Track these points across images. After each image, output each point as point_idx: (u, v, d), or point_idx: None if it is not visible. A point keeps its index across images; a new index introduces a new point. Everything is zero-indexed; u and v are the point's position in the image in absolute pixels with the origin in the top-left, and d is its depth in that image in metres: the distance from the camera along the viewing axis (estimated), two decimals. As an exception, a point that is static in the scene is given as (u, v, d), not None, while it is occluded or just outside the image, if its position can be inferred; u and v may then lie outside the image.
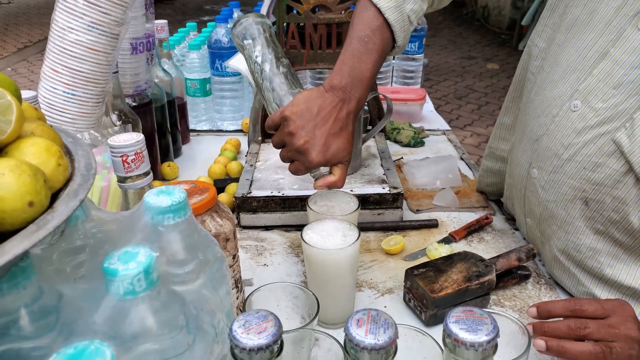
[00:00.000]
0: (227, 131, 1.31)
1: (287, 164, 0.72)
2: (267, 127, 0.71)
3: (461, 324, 0.31)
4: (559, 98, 0.67)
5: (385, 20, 0.67)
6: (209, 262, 0.42)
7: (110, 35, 0.69)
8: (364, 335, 0.31)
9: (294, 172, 0.70)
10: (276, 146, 0.71)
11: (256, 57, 0.70)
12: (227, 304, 0.45)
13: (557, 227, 0.70)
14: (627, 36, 0.59)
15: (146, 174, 0.51)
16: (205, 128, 1.33)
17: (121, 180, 0.50)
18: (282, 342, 0.33)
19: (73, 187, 0.33)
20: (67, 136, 0.40)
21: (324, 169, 0.70)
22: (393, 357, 0.32)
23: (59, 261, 0.36)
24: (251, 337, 0.32)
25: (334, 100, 0.67)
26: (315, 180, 0.70)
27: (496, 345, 0.31)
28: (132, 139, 0.49)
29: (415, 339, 0.49)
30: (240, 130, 1.30)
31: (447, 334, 0.32)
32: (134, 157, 0.49)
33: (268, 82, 0.70)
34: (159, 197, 0.39)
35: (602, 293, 0.68)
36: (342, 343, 0.40)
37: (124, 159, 0.49)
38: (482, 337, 0.31)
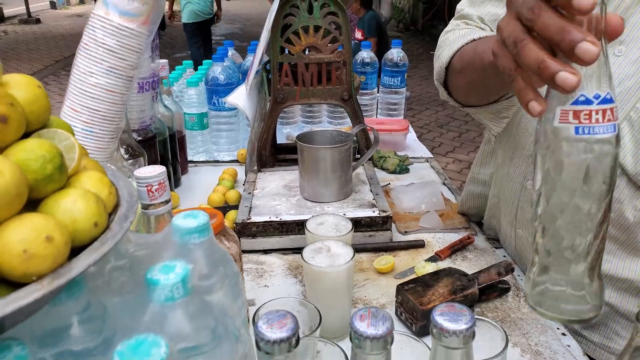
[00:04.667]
0: (223, 161, 1.37)
1: (281, 191, 0.73)
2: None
3: (445, 316, 0.38)
4: None
5: None
6: (228, 276, 0.49)
7: (126, 78, 0.76)
8: (366, 327, 0.38)
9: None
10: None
11: None
12: (243, 313, 0.51)
13: None
14: None
15: (167, 201, 0.58)
16: (202, 159, 1.40)
17: (145, 207, 0.57)
18: (298, 336, 0.39)
19: (122, 211, 0.39)
20: (108, 170, 0.47)
21: None
22: (390, 344, 0.39)
23: (106, 277, 0.42)
24: (274, 331, 0.38)
25: None
26: None
27: (474, 333, 0.38)
28: (156, 171, 0.56)
29: (407, 344, 0.56)
30: (236, 161, 1.37)
31: (433, 324, 0.39)
32: (157, 186, 0.56)
33: None
34: (186, 219, 0.46)
35: None
36: (343, 350, 0.47)
37: (149, 188, 0.55)
38: (462, 325, 0.38)
